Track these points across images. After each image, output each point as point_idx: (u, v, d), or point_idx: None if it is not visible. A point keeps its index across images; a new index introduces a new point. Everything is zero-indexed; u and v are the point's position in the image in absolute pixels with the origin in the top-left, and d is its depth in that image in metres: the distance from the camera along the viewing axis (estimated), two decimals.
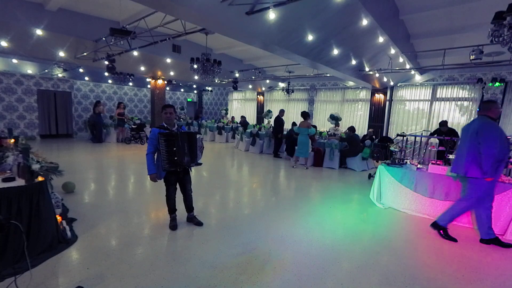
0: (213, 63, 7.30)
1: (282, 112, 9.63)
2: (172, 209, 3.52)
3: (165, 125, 3.28)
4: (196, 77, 9.54)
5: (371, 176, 6.69)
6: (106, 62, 7.33)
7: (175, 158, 3.16)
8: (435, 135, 6.65)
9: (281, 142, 9.41)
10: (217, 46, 9.77)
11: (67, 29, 6.70)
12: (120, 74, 10.44)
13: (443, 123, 6.84)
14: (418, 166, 4.57)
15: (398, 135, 5.64)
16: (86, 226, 3.41)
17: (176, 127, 3.37)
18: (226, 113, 15.90)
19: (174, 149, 3.15)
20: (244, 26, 4.37)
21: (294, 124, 10.00)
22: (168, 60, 9.06)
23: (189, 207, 3.63)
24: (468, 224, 3.89)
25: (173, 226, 3.48)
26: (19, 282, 2.15)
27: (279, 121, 9.35)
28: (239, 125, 12.79)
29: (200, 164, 3.42)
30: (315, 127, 8.60)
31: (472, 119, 8.84)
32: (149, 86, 12.98)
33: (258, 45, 5.35)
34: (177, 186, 3.50)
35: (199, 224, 3.60)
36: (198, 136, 3.43)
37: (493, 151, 3.07)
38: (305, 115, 7.55)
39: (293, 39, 5.31)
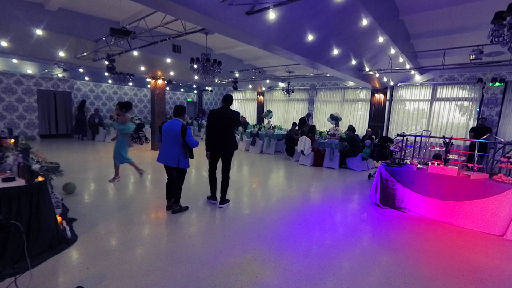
0: (213, 63, 7.29)
1: (308, 115, 11.19)
2: None
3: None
4: (196, 77, 9.53)
5: (371, 176, 6.69)
6: (106, 62, 7.30)
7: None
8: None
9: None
10: (217, 46, 9.76)
11: (67, 29, 6.70)
12: (120, 74, 10.42)
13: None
14: (418, 166, 4.57)
15: (398, 135, 5.62)
16: (86, 226, 3.41)
17: None
18: None
19: None
20: (244, 26, 4.36)
21: (294, 124, 10.03)
22: (168, 60, 9.06)
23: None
24: (468, 225, 3.89)
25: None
26: (19, 282, 2.15)
27: (301, 121, 10.39)
28: None
29: None
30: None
31: (472, 119, 8.88)
32: (149, 86, 12.94)
33: (258, 45, 5.34)
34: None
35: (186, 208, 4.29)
36: None
37: None
38: (123, 105, 5.83)
39: (293, 39, 5.30)
